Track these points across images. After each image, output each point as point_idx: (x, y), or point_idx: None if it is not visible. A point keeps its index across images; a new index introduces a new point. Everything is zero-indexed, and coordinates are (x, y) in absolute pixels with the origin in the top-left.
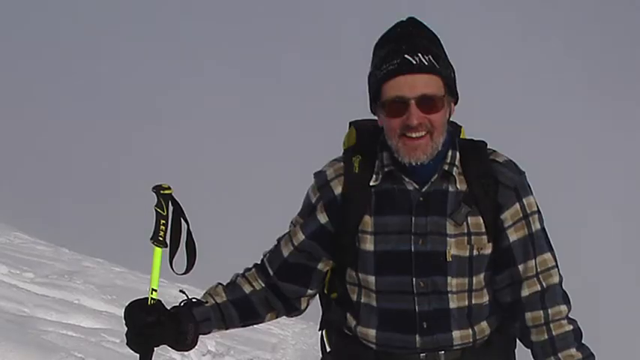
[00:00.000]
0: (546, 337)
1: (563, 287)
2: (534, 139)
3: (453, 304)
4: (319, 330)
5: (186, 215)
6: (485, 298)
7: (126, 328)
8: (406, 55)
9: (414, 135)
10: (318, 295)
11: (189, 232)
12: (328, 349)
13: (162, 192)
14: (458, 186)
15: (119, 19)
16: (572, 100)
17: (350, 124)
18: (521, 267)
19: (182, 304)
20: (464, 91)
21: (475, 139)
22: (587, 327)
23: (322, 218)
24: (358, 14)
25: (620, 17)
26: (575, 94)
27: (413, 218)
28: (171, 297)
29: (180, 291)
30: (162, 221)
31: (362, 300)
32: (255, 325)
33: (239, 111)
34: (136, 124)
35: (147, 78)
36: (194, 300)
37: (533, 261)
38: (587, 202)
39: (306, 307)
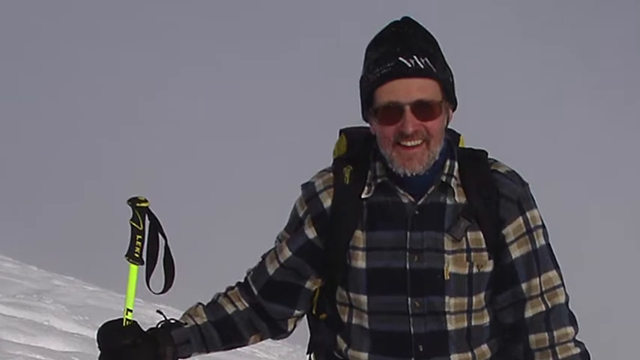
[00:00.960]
0: None
1: (570, 307)
2: (539, 148)
3: (451, 326)
4: (307, 354)
5: (164, 230)
6: (486, 319)
7: (99, 352)
8: (401, 58)
9: (409, 143)
10: (305, 316)
11: (167, 248)
12: None
13: (138, 205)
14: (456, 198)
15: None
16: (578, 105)
17: (340, 131)
18: (524, 285)
19: (160, 325)
20: (463, 95)
21: (475, 148)
22: (597, 351)
23: (310, 233)
24: (355, 15)
25: (630, 16)
26: (580, 98)
27: (408, 233)
28: (148, 318)
29: (158, 311)
30: (139, 236)
31: (353, 321)
32: (238, 348)
33: (223, 113)
34: (110, 129)
35: (125, 76)
36: (172, 321)
37: (538, 279)
38: (596, 214)
39: (293, 329)
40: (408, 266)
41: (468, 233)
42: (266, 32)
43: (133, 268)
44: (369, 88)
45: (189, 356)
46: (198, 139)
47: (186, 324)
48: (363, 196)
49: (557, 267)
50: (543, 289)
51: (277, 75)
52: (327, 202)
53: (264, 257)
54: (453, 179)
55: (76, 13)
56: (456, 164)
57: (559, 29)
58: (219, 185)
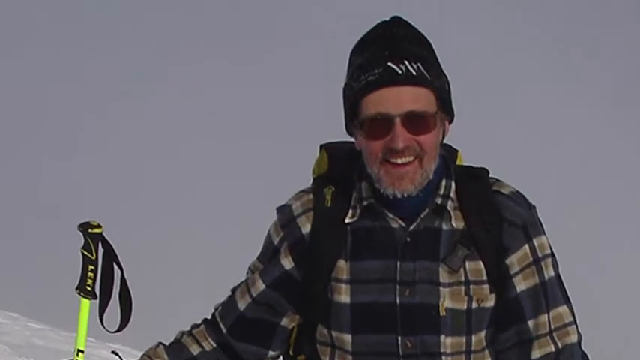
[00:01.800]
0: None
1: (582, 347)
2: (550, 171)
3: None
4: None
5: (120, 259)
6: None
7: None
8: (390, 63)
9: (399, 161)
10: (281, 358)
11: (123, 280)
12: None
13: (90, 231)
14: (453, 223)
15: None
16: (597, 117)
17: (321, 147)
18: (530, 323)
19: None
20: (461, 106)
21: (475, 166)
22: None
23: (287, 263)
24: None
25: None
26: (598, 108)
27: (398, 263)
28: (102, 359)
29: (113, 352)
30: (91, 267)
31: None
32: None
33: (185, 123)
34: (58, 147)
35: (70, 91)
36: None
37: (546, 315)
38: (611, 240)
39: None
40: (398, 301)
41: (467, 263)
42: (238, 34)
43: (85, 302)
44: (353, 97)
45: None
46: (155, 156)
47: None
48: (346, 220)
49: (568, 302)
50: (552, 326)
51: (246, 83)
52: (306, 228)
53: (234, 291)
54: (450, 201)
55: (20, 14)
56: (453, 184)
57: (579, 30)
58: (182, 207)
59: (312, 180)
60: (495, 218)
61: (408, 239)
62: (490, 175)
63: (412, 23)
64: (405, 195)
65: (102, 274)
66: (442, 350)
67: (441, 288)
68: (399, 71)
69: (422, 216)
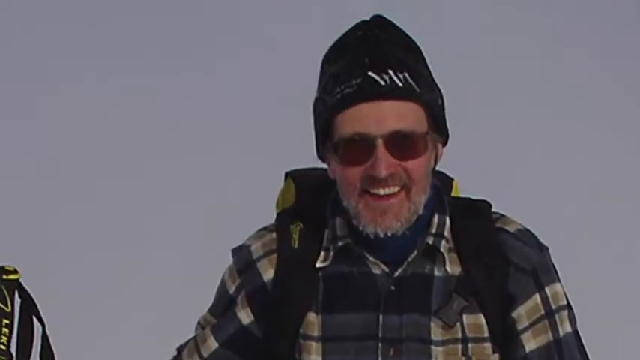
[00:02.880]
0: None
1: None
2: (563, 202)
3: None
4: None
5: (41, 311)
6: None
7: None
8: (370, 72)
9: (382, 192)
10: None
11: (45, 337)
12: None
13: (4, 277)
14: (448, 268)
15: None
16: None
17: (286, 175)
18: None
19: None
20: (457, 124)
21: (474, 197)
22: None
23: (244, 317)
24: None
25: None
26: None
27: (380, 317)
28: None
29: None
30: (6, 321)
31: None
32: None
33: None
34: None
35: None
36: None
37: None
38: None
39: None
40: None
41: (465, 317)
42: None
43: None
44: (326, 114)
45: None
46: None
47: None
48: (317, 264)
49: None
50: None
51: (194, 96)
52: (268, 274)
53: (180, 350)
54: (444, 241)
55: None
56: (448, 220)
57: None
58: (119, 241)
59: (275, 215)
60: (499, 262)
61: (393, 287)
62: (493, 210)
63: (398, 24)
64: (389, 234)
65: (19, 330)
66: None
67: (433, 347)
68: (382, 82)
69: (409, 259)
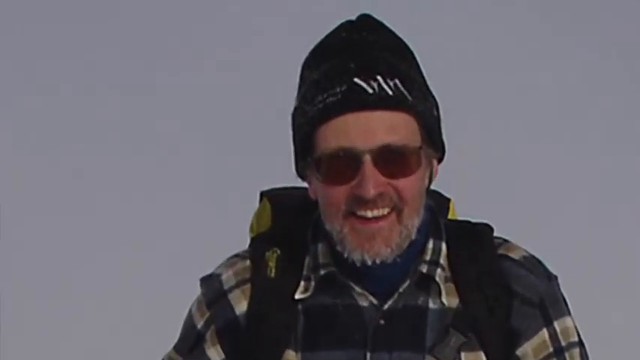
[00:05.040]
0: None
1: None
2: (568, 218)
3: None
4: None
5: None
6: None
7: None
8: (357, 79)
9: (369, 214)
10: None
11: None
12: None
13: None
14: (444, 300)
15: None
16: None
17: (261, 195)
18: None
19: None
20: (453, 137)
21: (474, 220)
22: None
23: (214, 355)
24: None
25: None
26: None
27: (368, 355)
28: None
29: None
30: None
31: None
32: None
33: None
34: None
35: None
36: None
37: None
38: None
39: None
40: None
41: (463, 355)
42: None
43: None
44: (306, 126)
45: None
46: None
47: None
48: (297, 296)
49: None
50: None
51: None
52: (241, 307)
53: None
54: (440, 270)
55: None
56: (444, 246)
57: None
58: (66, 280)
59: (249, 240)
60: (502, 293)
61: (382, 322)
62: (495, 234)
63: (388, 24)
64: (378, 261)
65: None
66: None
67: None
68: (370, 90)
69: (401, 290)
